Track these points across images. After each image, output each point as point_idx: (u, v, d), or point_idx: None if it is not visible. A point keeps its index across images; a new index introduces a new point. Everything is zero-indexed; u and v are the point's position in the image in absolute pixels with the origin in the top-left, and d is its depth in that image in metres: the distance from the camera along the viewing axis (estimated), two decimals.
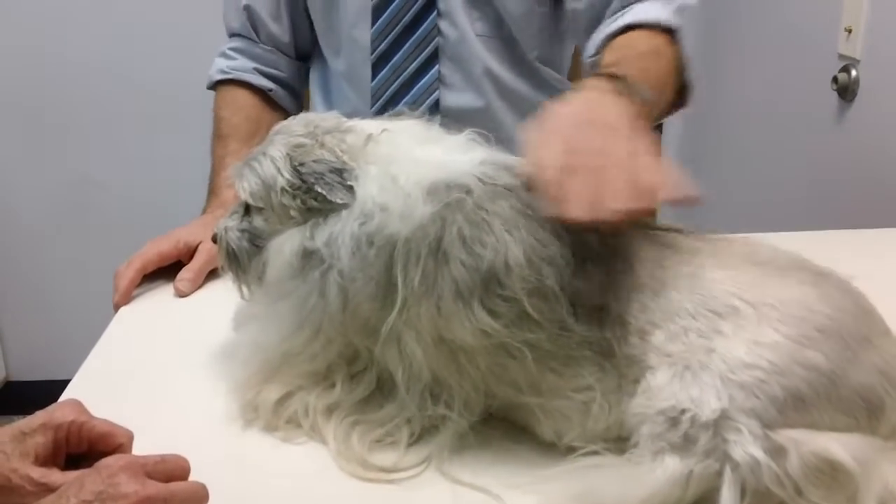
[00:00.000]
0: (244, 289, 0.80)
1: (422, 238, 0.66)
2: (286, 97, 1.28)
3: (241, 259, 0.78)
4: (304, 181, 0.72)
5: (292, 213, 0.73)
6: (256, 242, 0.77)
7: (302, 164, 0.72)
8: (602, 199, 0.63)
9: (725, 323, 0.64)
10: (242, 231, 0.78)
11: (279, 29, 1.26)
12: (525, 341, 0.65)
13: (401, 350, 0.69)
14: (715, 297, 0.65)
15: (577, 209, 0.63)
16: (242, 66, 1.25)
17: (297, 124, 0.77)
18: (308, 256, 0.71)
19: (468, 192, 0.68)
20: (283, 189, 0.72)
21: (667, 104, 1.03)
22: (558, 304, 0.65)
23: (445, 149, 0.73)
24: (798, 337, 0.62)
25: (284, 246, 0.72)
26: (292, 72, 1.30)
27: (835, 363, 0.61)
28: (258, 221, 0.76)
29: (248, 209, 0.78)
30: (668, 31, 1.03)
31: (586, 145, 0.68)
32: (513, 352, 0.66)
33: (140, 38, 2.22)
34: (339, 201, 0.70)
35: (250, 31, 1.26)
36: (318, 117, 0.77)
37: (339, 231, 0.69)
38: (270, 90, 1.26)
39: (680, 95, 1.06)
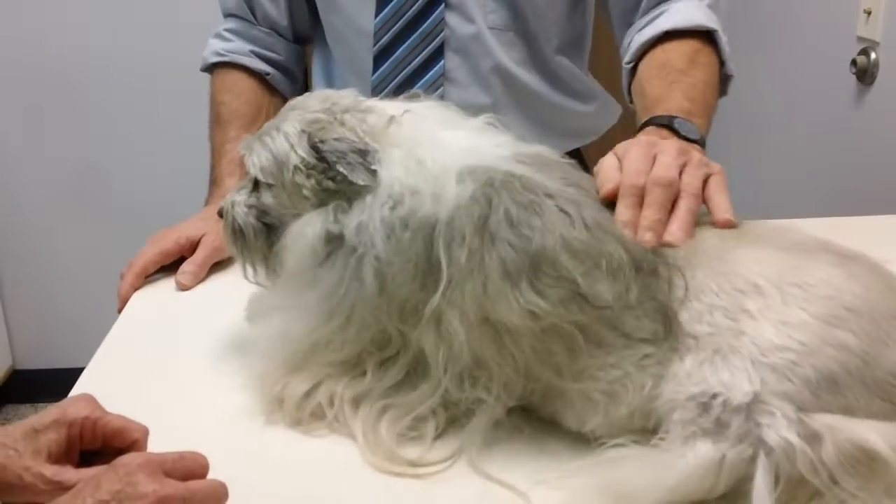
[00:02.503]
0: (248, 267, 0.78)
1: (465, 218, 0.65)
2: (284, 81, 1.24)
3: (247, 236, 0.76)
4: (324, 160, 0.69)
5: (305, 192, 0.71)
6: (264, 220, 0.75)
7: (323, 142, 0.70)
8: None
9: (749, 301, 0.62)
10: (250, 207, 0.76)
11: (276, 11, 1.22)
12: (574, 322, 0.64)
13: (441, 331, 0.67)
14: (739, 276, 0.64)
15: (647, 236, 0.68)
16: (239, 49, 1.21)
17: (313, 100, 0.74)
18: (333, 242, 0.69)
19: (512, 175, 0.67)
20: (296, 167, 0.70)
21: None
22: (620, 279, 0.63)
23: (470, 132, 0.72)
24: (826, 316, 0.60)
25: (306, 230, 0.70)
26: (290, 55, 1.25)
27: (866, 343, 0.59)
28: (267, 198, 0.74)
29: (256, 185, 0.75)
30: (706, 32, 1.02)
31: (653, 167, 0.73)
32: (561, 333, 0.64)
33: (141, 24, 2.20)
34: (360, 182, 0.68)
35: (246, 11, 1.22)
36: (335, 94, 0.75)
37: (369, 217, 0.67)
38: (268, 74, 1.22)
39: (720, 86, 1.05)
